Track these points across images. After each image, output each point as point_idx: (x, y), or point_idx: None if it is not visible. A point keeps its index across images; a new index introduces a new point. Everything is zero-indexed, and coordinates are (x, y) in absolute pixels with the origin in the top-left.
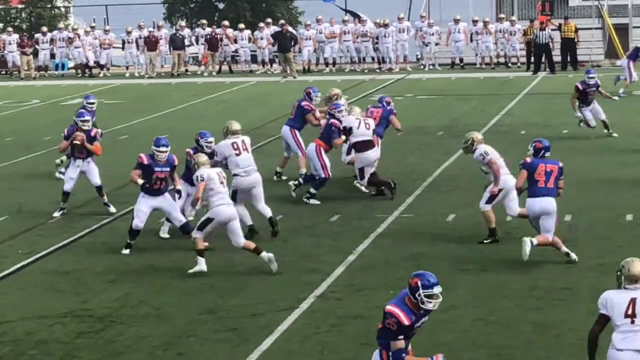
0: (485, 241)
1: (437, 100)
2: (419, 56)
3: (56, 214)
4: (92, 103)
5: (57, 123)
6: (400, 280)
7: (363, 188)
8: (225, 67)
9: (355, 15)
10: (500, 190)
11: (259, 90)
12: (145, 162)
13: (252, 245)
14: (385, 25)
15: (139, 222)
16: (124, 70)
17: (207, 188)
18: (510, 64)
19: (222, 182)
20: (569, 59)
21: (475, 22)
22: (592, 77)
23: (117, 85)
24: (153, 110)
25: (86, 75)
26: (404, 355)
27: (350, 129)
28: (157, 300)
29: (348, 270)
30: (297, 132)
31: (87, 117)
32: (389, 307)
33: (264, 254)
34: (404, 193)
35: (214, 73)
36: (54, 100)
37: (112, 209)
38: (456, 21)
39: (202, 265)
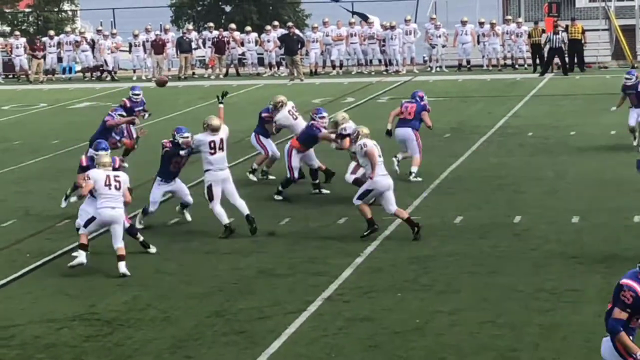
0: (365, 233)
1: (444, 102)
2: (426, 58)
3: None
4: (138, 94)
5: (65, 127)
6: (408, 282)
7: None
8: (232, 70)
9: (363, 17)
10: (371, 191)
11: (266, 93)
12: (84, 163)
13: (123, 252)
14: (392, 28)
15: (81, 221)
16: (131, 74)
17: (93, 189)
18: (517, 66)
19: (108, 185)
20: (575, 60)
21: (482, 23)
22: (628, 79)
23: (124, 88)
24: (160, 114)
25: (93, 78)
26: (620, 328)
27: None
28: (164, 303)
29: (355, 273)
30: (260, 136)
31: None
32: (624, 281)
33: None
34: (411, 195)
35: (221, 76)
36: (61, 104)
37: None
38: (463, 23)
39: (81, 257)
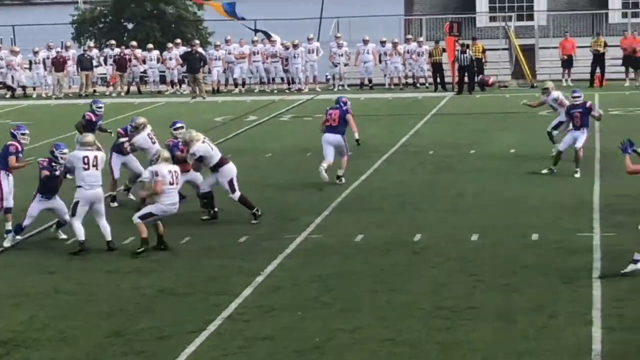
0: (138, 250)
1: None
2: (329, 76)
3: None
4: (101, 107)
5: None
6: (308, 300)
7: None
8: (134, 88)
9: (266, 35)
10: (154, 215)
11: (168, 111)
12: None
13: None
14: (295, 46)
15: None
16: (31, 91)
17: None
18: (418, 85)
19: None
20: (477, 79)
21: (383, 42)
22: (578, 97)
23: (25, 106)
24: (60, 132)
25: (7, 96)
26: None
27: (202, 157)
28: (62, 323)
29: (256, 292)
30: (114, 154)
31: (27, 131)
32: None
33: None
34: (313, 213)
35: (122, 94)
36: None
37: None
38: (365, 42)
39: None
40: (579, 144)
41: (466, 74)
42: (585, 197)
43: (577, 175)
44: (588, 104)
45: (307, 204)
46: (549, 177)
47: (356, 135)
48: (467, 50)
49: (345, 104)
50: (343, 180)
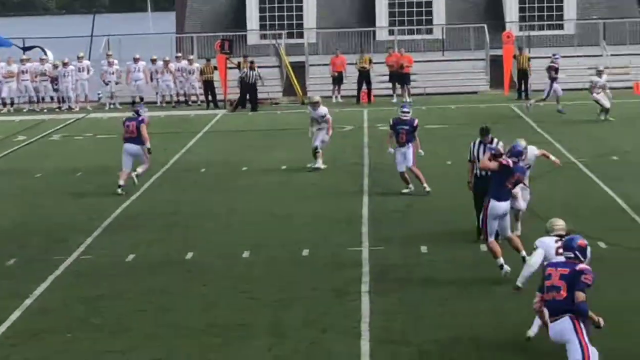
0: None
1: (112, 140)
2: (100, 95)
3: None
4: None
5: None
6: (78, 322)
7: None
8: None
9: (43, 51)
10: None
11: None
12: None
13: None
14: (65, 65)
15: None
16: None
17: None
18: (190, 102)
19: None
20: (248, 96)
21: (154, 61)
22: (406, 112)
23: None
24: None
25: None
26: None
27: None
28: None
29: (25, 315)
30: None
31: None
32: (581, 266)
33: None
34: (83, 234)
35: None
36: None
37: None
38: (135, 60)
39: None
40: (409, 163)
41: (249, 92)
42: (354, 211)
43: (427, 189)
44: (415, 123)
45: (77, 225)
46: (318, 193)
47: (147, 145)
48: (257, 67)
49: (137, 112)
50: (137, 181)
